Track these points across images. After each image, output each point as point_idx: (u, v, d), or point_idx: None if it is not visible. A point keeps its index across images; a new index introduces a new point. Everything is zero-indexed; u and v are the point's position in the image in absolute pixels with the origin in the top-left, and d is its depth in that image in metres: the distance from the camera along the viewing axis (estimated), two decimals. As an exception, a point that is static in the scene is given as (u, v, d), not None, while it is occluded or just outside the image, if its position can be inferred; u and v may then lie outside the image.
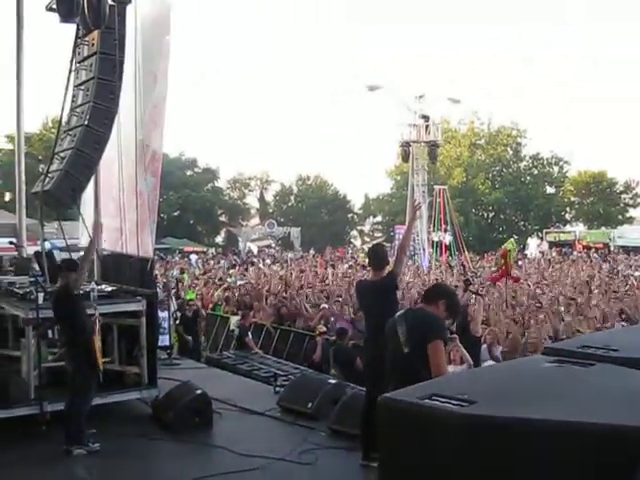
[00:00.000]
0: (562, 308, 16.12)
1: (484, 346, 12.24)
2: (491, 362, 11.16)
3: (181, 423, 8.59)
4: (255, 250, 53.02)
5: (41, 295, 8.53)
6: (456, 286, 21.26)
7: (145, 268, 10.09)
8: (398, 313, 5.80)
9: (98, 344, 8.05)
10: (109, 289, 9.57)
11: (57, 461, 7.62)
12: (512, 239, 19.76)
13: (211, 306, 19.84)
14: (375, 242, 12.95)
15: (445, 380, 3.55)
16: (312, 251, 46.80)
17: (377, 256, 7.73)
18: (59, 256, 14.56)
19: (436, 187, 44.24)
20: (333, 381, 9.91)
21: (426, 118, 41.24)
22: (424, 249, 41.58)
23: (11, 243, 11.73)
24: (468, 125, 64.03)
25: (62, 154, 10.20)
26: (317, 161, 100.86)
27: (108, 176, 11.62)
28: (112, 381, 8.96)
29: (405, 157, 42.84)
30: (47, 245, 12.63)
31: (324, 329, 14.07)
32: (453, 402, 2.82)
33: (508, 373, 3.47)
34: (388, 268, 7.67)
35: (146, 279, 10.12)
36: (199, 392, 8.99)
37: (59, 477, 7.41)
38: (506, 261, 16.18)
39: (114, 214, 11.81)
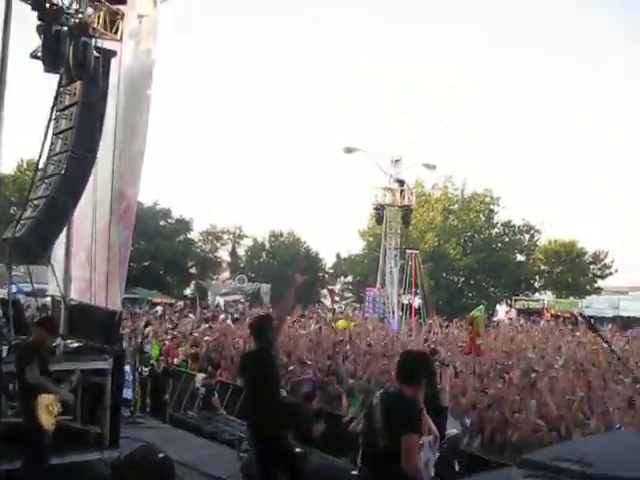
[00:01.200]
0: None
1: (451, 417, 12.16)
2: (455, 431, 11.08)
3: (142, 487, 8.31)
4: (222, 303, 52.65)
5: (5, 348, 8.28)
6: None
7: (112, 321, 9.91)
8: (378, 394, 5.50)
9: (50, 403, 7.65)
10: (75, 345, 9.34)
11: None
12: (480, 306, 19.64)
13: (176, 361, 19.56)
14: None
15: None
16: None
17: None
18: (24, 300, 14.33)
19: (408, 251, 44.39)
20: (297, 450, 9.68)
21: (401, 182, 41.66)
22: (394, 312, 41.54)
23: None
24: (442, 190, 64.66)
25: (36, 201, 10.09)
26: (290, 217, 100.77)
27: (81, 226, 11.47)
28: (73, 440, 8.72)
29: (379, 220, 43.13)
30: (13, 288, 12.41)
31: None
32: None
33: None
34: None
35: (113, 333, 9.93)
36: (162, 456, 8.67)
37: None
38: (473, 329, 16.11)
39: (84, 265, 11.65)
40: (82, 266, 11.67)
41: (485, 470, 10.96)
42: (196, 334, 24.16)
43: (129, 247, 11.77)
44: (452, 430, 11.02)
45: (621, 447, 4.06)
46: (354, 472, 8.78)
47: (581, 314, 13.63)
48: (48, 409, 7.58)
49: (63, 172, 9.74)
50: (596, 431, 10.64)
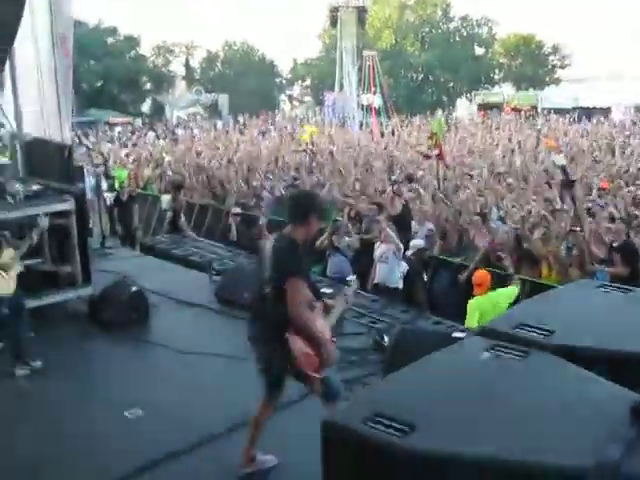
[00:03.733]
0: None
1: (415, 224, 12.45)
2: (421, 241, 11.38)
3: (118, 321, 8.59)
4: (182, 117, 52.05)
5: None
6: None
7: (65, 157, 9.74)
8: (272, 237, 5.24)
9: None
10: (35, 188, 9.25)
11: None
12: (438, 118, 19.57)
13: (141, 184, 19.59)
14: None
15: (387, 386, 3.48)
16: (241, 119, 45.87)
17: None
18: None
19: (365, 52, 43.60)
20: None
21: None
22: (354, 115, 41.37)
23: None
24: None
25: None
26: (243, 26, 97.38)
27: (24, 60, 11.09)
28: (46, 282, 8.87)
29: (334, 22, 41.99)
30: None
31: (237, 210, 14.44)
32: (394, 426, 2.81)
33: (445, 377, 3.35)
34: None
35: (69, 171, 9.78)
36: (134, 289, 8.95)
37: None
38: (435, 142, 16.16)
39: (35, 99, 11.36)
40: (33, 101, 11.39)
41: (446, 270, 11.49)
42: (158, 154, 24.05)
43: (70, 74, 11.39)
44: (417, 241, 11.27)
45: (585, 309, 4.13)
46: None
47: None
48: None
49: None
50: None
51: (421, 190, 14.47)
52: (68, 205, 8.85)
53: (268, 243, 5.05)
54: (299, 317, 4.70)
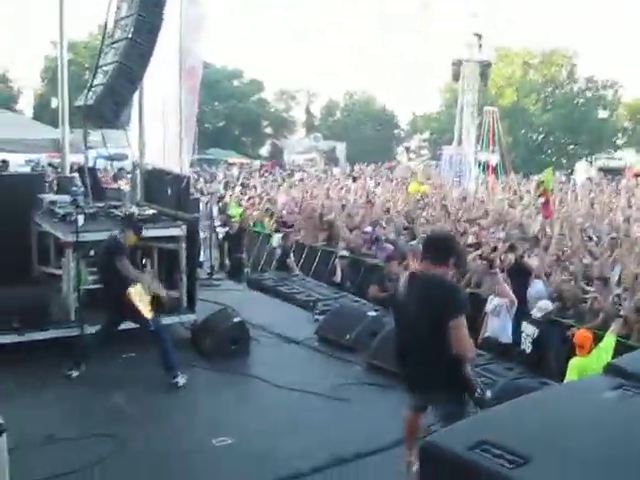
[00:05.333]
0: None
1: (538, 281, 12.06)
2: (549, 303, 10.95)
3: (218, 350, 8.59)
4: (298, 162, 52.69)
5: (81, 217, 8.43)
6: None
7: (182, 187, 9.93)
8: (405, 279, 5.14)
9: (140, 293, 7.77)
10: (150, 212, 9.43)
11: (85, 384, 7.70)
12: (548, 170, 19.00)
13: (252, 223, 19.81)
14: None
15: (497, 416, 3.19)
16: (357, 166, 46.00)
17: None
18: (104, 164, 14.50)
19: (486, 108, 43.18)
20: (373, 313, 9.77)
21: (479, 36, 40.01)
22: (470, 170, 40.88)
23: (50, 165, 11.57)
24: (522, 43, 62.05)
25: (105, 68, 9.97)
26: (365, 77, 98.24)
27: (152, 93, 11.43)
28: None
29: (456, 76, 41.79)
30: (92, 154, 12.53)
31: (344, 253, 14.54)
32: (505, 456, 2.56)
33: (564, 411, 3.08)
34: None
35: (185, 199, 9.96)
36: (237, 320, 8.94)
37: (91, 398, 7.41)
38: (542, 192, 15.79)
39: (158, 131, 11.68)
40: (156, 135, 11.71)
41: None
42: (272, 194, 24.42)
43: (195, 112, 11.67)
44: (546, 302, 10.85)
45: None
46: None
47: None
48: (141, 299, 7.71)
49: (130, 36, 9.53)
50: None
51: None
52: (180, 231, 8.99)
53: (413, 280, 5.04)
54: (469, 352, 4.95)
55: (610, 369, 3.32)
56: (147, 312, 7.68)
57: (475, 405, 7.52)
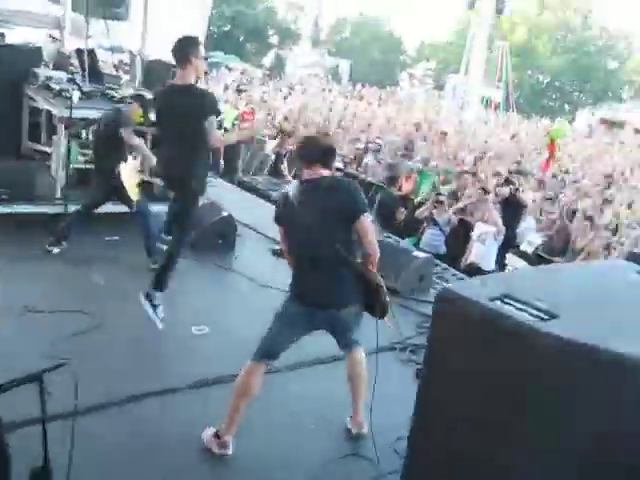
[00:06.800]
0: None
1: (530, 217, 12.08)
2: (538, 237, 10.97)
3: (204, 243, 8.52)
4: (302, 74, 51.90)
5: (76, 94, 8.20)
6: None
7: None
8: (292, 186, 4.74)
9: (131, 172, 7.80)
10: (149, 97, 9.20)
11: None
12: (561, 122, 18.81)
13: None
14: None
15: (517, 276, 3.13)
16: (359, 86, 45.45)
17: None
18: (104, 55, 14.22)
19: (498, 42, 42.51)
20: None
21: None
22: (472, 103, 40.48)
23: (51, 37, 11.29)
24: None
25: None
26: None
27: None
28: (142, 192, 8.77)
29: (471, 4, 40.92)
30: (92, 43, 12.26)
31: (338, 166, 13.96)
32: (531, 311, 2.47)
33: (591, 281, 3.04)
34: None
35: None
36: (225, 214, 8.87)
37: (72, 277, 7.39)
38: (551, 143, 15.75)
39: (166, 16, 11.45)
40: (160, 22, 11.44)
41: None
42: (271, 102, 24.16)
43: (209, 9, 11.42)
44: (535, 236, 10.85)
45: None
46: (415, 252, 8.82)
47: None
48: (130, 179, 7.66)
49: None
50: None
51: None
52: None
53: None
54: (376, 252, 4.55)
55: (631, 257, 3.37)
56: (133, 193, 7.67)
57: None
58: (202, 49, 6.29)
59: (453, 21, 62.05)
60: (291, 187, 4.69)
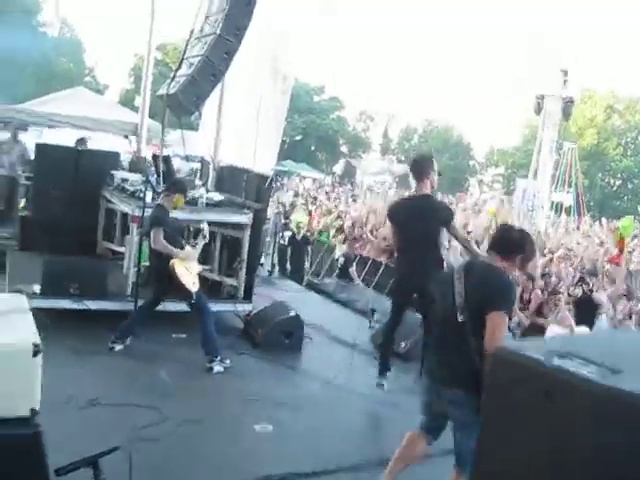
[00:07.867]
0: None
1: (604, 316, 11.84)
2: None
3: (270, 342, 8.61)
4: (369, 183, 52.56)
5: (149, 194, 8.49)
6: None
7: (262, 184, 9.93)
8: (459, 265, 4.86)
9: (185, 268, 7.72)
10: (218, 198, 9.52)
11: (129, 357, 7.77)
12: (628, 218, 18.49)
13: (317, 228, 19.85)
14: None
15: (576, 338, 3.08)
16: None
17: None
18: (179, 164, 14.77)
19: (566, 144, 42.53)
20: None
21: (565, 72, 39.52)
22: (543, 207, 40.25)
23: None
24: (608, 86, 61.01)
25: (191, 60, 10.16)
26: (445, 105, 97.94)
27: (234, 91, 11.61)
28: (210, 291, 9.00)
29: (537, 110, 41.27)
30: (168, 152, 12.79)
31: None
32: (591, 367, 2.44)
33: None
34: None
35: (262, 195, 9.97)
36: (293, 314, 8.94)
37: (137, 373, 7.46)
38: (620, 240, 15.47)
39: (236, 128, 11.83)
40: (234, 130, 11.85)
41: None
42: (342, 207, 24.50)
43: (284, 113, 11.82)
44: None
45: None
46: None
47: None
48: (185, 270, 7.68)
49: (218, 32, 9.67)
50: None
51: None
52: (245, 218, 9.02)
53: (461, 269, 4.73)
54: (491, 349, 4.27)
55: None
56: (191, 285, 7.64)
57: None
58: (436, 165, 7.50)
59: (521, 126, 62.49)
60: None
